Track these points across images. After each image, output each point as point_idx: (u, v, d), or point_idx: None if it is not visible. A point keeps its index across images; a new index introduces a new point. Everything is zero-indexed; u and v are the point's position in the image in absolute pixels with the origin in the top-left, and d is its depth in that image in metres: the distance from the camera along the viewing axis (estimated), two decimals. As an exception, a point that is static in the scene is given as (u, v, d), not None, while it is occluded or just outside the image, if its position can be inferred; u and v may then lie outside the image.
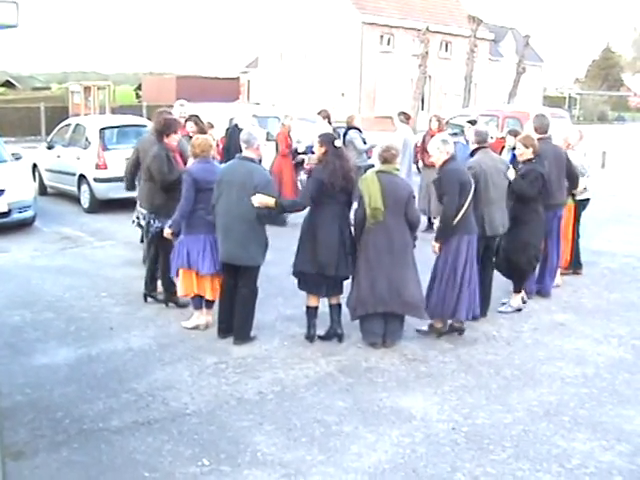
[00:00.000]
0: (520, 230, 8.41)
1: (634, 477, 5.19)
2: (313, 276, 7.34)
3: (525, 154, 8.53)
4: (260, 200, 7.06)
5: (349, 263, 7.36)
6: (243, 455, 5.39)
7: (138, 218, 9.25)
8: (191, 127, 10.49)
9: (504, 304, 8.74)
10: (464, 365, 7.16)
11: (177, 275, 7.99)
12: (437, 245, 7.62)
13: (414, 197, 7.49)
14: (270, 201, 7.10)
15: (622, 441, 5.69)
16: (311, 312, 7.59)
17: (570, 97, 70.03)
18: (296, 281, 7.59)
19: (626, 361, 7.38)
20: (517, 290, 8.79)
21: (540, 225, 8.57)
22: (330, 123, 13.94)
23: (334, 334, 7.61)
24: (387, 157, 7.37)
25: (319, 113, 14.34)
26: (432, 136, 12.84)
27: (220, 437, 5.65)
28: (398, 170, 7.58)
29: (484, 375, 6.94)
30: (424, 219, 13.06)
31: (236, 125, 13.20)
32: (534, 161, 8.45)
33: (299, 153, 14.39)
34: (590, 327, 8.32)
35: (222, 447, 5.50)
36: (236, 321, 7.53)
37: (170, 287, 8.58)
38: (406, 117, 14.39)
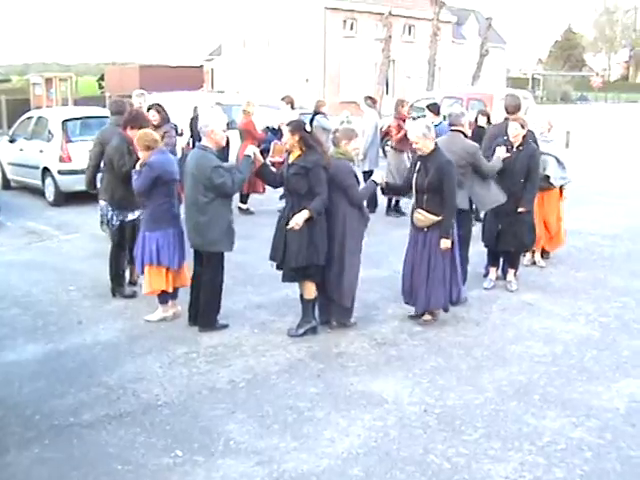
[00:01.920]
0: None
1: (603, 452, 5.26)
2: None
3: (520, 135, 8.60)
4: (297, 222, 7.01)
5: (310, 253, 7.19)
6: (216, 444, 5.38)
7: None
8: (153, 116, 10.40)
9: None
10: (434, 347, 7.20)
11: (142, 272, 7.90)
12: (448, 241, 7.41)
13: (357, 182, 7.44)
14: (304, 215, 7.02)
15: (591, 417, 5.76)
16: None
17: (533, 78, 70.54)
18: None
19: (593, 338, 7.47)
20: (516, 267, 9.07)
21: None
22: (293, 109, 13.86)
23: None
24: (334, 140, 7.54)
25: (283, 99, 14.28)
26: (403, 120, 12.90)
27: (193, 427, 5.64)
28: (342, 154, 7.46)
29: (454, 357, 6.98)
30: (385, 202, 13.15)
31: (198, 115, 13.16)
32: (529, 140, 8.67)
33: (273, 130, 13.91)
34: (558, 306, 8.41)
35: (195, 437, 5.48)
36: (200, 307, 7.52)
37: (118, 279, 8.74)
38: (373, 101, 14.45)
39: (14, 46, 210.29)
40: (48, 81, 35.79)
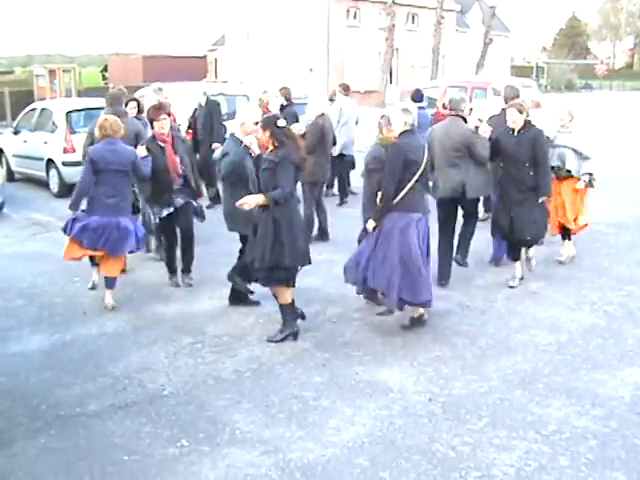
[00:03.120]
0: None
1: (608, 440, 5.26)
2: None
3: (519, 120, 8.26)
4: (248, 202, 6.86)
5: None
6: (222, 434, 5.40)
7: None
8: (133, 108, 10.51)
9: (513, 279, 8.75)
10: (439, 336, 7.21)
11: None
12: (373, 224, 7.24)
13: None
14: (258, 198, 6.86)
15: (596, 405, 5.77)
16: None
17: (537, 66, 70.31)
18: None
19: (598, 327, 7.47)
20: (518, 258, 8.78)
21: None
22: (289, 102, 13.69)
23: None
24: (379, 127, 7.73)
25: (280, 90, 14.22)
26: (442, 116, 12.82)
27: (198, 417, 5.66)
28: (382, 140, 7.60)
29: (459, 346, 6.99)
30: None
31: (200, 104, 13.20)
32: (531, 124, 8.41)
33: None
34: (563, 294, 8.41)
35: (201, 427, 5.50)
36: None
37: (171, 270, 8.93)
38: (344, 88, 14.60)
39: (17, 38, 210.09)
40: (51, 72, 35.75)
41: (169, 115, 9.02)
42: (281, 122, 6.97)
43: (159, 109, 8.54)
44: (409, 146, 7.13)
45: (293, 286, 7.13)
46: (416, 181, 7.11)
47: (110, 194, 7.90)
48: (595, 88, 70.68)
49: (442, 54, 45.02)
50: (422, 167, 7.14)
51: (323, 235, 10.81)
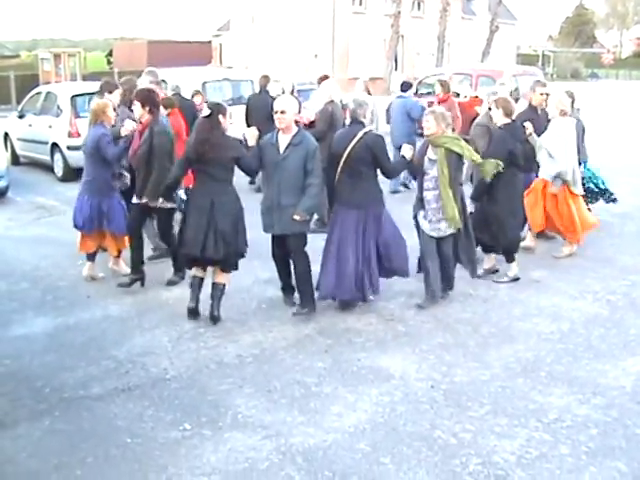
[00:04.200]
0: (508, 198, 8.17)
1: (609, 429, 5.28)
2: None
3: (497, 116, 8.20)
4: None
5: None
6: (224, 418, 5.43)
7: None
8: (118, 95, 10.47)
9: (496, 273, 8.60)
10: (441, 324, 7.22)
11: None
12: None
13: None
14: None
15: (597, 395, 5.78)
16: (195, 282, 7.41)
17: (544, 55, 69.95)
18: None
19: (601, 316, 7.48)
20: (511, 260, 8.48)
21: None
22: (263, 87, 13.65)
23: (210, 315, 7.29)
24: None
25: (259, 79, 14.12)
26: (440, 102, 12.85)
27: (201, 401, 5.69)
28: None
29: (461, 333, 7.00)
30: None
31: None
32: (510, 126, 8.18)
33: None
34: (565, 283, 8.41)
35: (203, 411, 5.53)
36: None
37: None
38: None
39: (22, 22, 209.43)
40: (57, 57, 35.65)
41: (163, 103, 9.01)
42: (205, 111, 7.13)
43: (132, 94, 8.61)
44: (336, 137, 7.47)
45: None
46: (342, 173, 7.24)
47: (84, 176, 8.47)
48: (601, 77, 70.43)
49: (448, 41, 44.85)
50: (342, 160, 7.20)
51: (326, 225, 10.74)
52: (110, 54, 56.40)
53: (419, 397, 5.75)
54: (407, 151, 7.40)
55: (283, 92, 12.88)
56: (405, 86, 13.87)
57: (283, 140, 7.09)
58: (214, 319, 7.19)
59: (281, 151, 7.06)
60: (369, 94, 13.05)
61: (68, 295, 8.06)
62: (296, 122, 7.42)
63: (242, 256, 7.32)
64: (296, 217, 7.02)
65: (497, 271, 8.56)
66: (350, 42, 46.83)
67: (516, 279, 8.39)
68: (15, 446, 5.11)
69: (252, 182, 13.52)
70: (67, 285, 8.39)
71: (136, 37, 73.96)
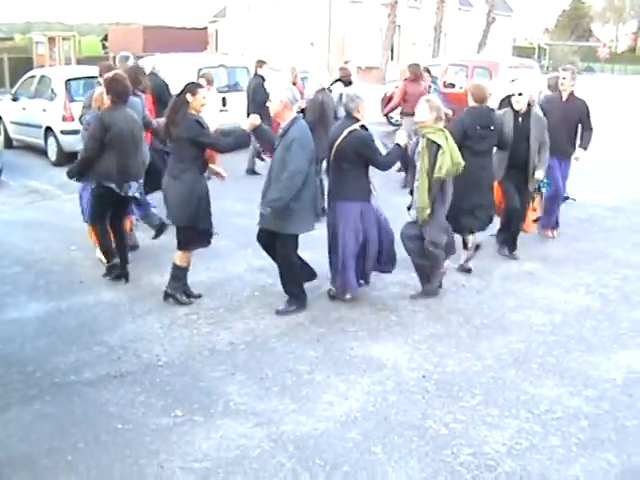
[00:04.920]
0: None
1: (600, 421, 5.30)
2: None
3: (469, 100, 8.35)
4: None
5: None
6: (216, 405, 5.43)
7: None
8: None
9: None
10: (434, 314, 7.23)
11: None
12: None
13: None
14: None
15: (588, 387, 5.80)
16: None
17: (540, 47, 69.89)
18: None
19: (593, 309, 7.50)
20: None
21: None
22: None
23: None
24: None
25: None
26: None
27: (193, 388, 5.68)
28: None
29: (454, 324, 7.01)
30: None
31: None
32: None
33: None
34: (558, 276, 8.43)
35: (195, 398, 5.53)
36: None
37: None
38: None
39: (17, 4, 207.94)
40: (51, 40, 35.48)
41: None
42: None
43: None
44: (331, 130, 7.55)
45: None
46: (330, 167, 7.33)
47: None
48: (597, 71, 70.37)
49: (444, 32, 44.75)
50: (331, 154, 7.25)
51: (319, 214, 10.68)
52: (105, 39, 56.00)
53: (411, 387, 5.76)
54: (401, 138, 7.33)
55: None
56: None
57: (280, 129, 7.08)
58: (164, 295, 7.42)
59: (277, 141, 7.06)
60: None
61: (61, 279, 8.04)
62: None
63: (187, 235, 7.23)
64: (260, 209, 6.98)
65: (478, 247, 8.60)
66: (346, 31, 46.67)
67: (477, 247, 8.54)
68: (6, 430, 5.09)
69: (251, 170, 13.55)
70: (60, 269, 8.37)
71: (131, 22, 73.57)
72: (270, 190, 6.94)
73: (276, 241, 7.11)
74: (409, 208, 7.59)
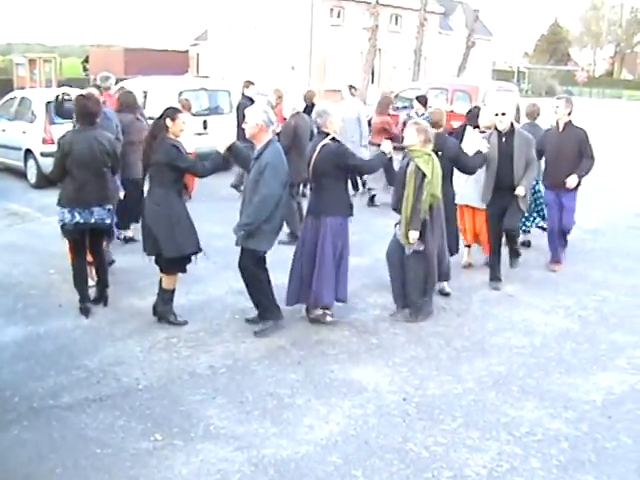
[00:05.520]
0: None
1: (580, 443, 5.32)
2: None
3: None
4: None
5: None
6: (196, 429, 5.39)
7: None
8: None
9: None
10: (414, 337, 7.23)
11: None
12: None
13: None
14: None
15: (569, 408, 5.82)
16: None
17: (519, 71, 70.69)
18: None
19: (572, 331, 7.53)
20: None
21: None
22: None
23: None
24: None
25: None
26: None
27: (172, 411, 5.65)
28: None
29: (434, 346, 7.02)
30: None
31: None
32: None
33: None
34: (538, 298, 8.47)
35: (175, 421, 5.49)
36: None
37: None
38: (355, 90, 14.68)
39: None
40: (32, 62, 35.42)
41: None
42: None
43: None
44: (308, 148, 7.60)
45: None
46: (310, 183, 7.49)
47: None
48: (575, 94, 71.05)
49: (424, 56, 44.98)
50: (310, 171, 7.34)
51: (298, 238, 10.65)
52: (86, 60, 56.09)
53: (391, 410, 5.75)
54: (386, 146, 7.42)
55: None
56: (424, 100, 13.50)
57: (255, 151, 7.08)
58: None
59: (252, 163, 7.06)
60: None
61: (39, 303, 7.98)
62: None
63: (171, 260, 7.22)
64: (233, 232, 7.00)
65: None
66: (327, 54, 46.95)
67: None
68: (-17, 455, 5.04)
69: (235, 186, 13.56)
70: (38, 293, 8.31)
71: (112, 44, 73.65)
72: (243, 212, 6.99)
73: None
74: (397, 225, 7.65)
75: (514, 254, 9.25)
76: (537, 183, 9.98)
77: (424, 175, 7.30)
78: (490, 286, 8.77)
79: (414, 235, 7.37)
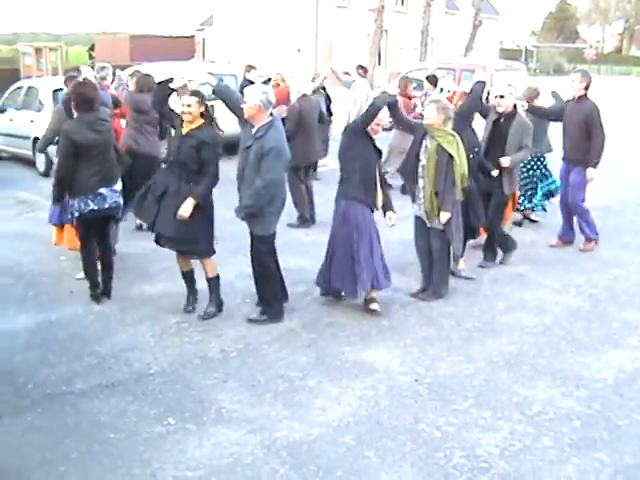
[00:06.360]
0: None
1: (592, 421, 5.32)
2: None
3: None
4: (186, 209, 6.88)
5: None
6: (208, 413, 5.42)
7: None
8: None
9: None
10: (425, 318, 7.24)
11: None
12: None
13: None
14: (191, 203, 6.90)
15: (580, 387, 5.82)
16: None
17: (526, 50, 70.23)
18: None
19: (583, 309, 7.52)
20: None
21: None
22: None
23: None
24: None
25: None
26: (410, 98, 12.91)
27: (185, 396, 5.67)
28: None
29: (445, 327, 7.02)
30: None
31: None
32: None
33: None
34: (549, 277, 8.45)
35: (187, 406, 5.52)
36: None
37: None
38: (364, 71, 14.52)
39: (3, 15, 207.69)
40: (38, 51, 35.40)
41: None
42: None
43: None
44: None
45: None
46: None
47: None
48: (583, 72, 70.57)
49: (431, 36, 44.75)
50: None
51: (308, 221, 10.65)
52: (92, 48, 55.97)
53: (403, 391, 5.76)
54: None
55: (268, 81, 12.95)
56: (435, 80, 13.45)
57: (254, 129, 6.89)
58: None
59: (250, 140, 6.86)
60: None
61: (50, 291, 8.01)
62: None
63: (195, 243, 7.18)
64: (235, 213, 6.97)
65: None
66: (333, 36, 46.76)
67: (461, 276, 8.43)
68: (-2, 442, 5.08)
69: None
70: (49, 281, 8.34)
71: (118, 32, 73.55)
72: (244, 194, 6.92)
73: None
74: (413, 202, 7.69)
75: (490, 249, 8.89)
76: (536, 167, 10.02)
77: (450, 156, 7.26)
78: (480, 264, 8.77)
79: (445, 216, 7.37)
